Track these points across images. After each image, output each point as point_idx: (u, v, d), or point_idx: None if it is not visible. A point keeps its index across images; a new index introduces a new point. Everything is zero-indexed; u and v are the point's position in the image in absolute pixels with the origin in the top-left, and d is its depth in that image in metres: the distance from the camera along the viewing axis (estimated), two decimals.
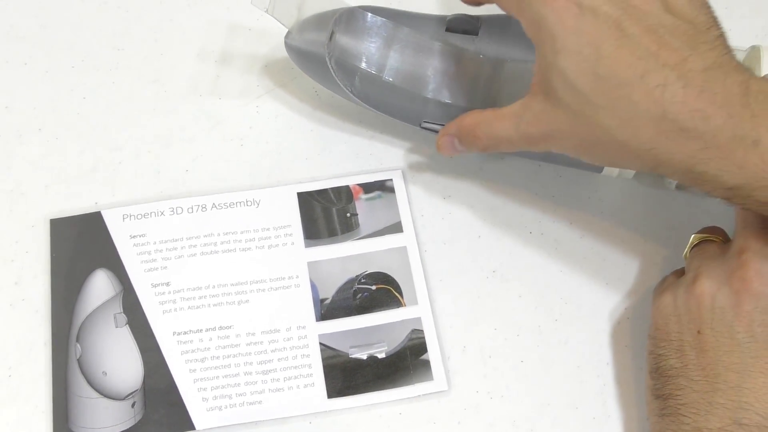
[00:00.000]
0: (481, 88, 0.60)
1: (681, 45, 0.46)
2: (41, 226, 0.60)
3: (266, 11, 0.57)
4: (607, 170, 0.57)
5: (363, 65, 0.60)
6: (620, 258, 0.59)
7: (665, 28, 0.47)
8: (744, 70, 0.46)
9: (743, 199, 0.45)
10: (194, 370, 0.56)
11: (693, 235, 0.54)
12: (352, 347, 0.56)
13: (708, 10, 0.49)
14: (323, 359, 0.56)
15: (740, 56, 0.56)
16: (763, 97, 0.44)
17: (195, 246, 0.59)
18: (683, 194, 0.59)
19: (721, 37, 0.48)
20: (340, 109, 0.64)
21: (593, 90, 0.46)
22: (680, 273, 0.53)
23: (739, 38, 0.62)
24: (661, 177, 0.56)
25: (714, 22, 0.48)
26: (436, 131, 0.59)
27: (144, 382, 0.55)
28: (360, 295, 0.58)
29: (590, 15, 0.47)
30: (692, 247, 0.53)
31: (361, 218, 0.60)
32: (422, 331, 0.57)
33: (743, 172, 0.44)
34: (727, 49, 0.47)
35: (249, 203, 0.61)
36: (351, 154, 0.62)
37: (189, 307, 0.57)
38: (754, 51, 0.55)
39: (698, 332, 0.48)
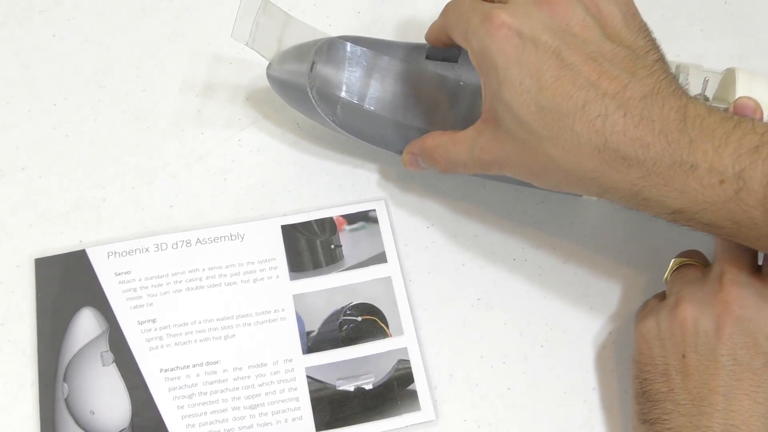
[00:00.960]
0: (461, 115, 0.60)
1: (620, 72, 0.47)
2: (26, 266, 0.60)
3: (246, 44, 0.57)
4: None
5: (344, 95, 0.60)
6: (603, 282, 0.59)
7: (604, 56, 0.48)
8: (682, 94, 0.47)
9: (687, 221, 0.47)
10: (182, 407, 0.56)
11: (673, 259, 0.54)
12: (339, 379, 0.56)
13: (646, 33, 0.50)
14: (311, 392, 0.56)
15: (715, 79, 0.56)
16: (700, 122, 0.45)
17: (180, 282, 0.59)
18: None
19: (660, 60, 0.49)
20: (323, 139, 0.64)
21: (536, 121, 0.48)
22: (662, 297, 0.54)
23: (714, 60, 0.63)
24: None
25: (653, 45, 0.50)
26: None
27: (132, 421, 0.55)
28: (346, 326, 0.58)
29: (531, 45, 0.48)
30: (673, 271, 0.54)
31: (345, 249, 0.60)
32: (409, 361, 0.57)
33: (684, 196, 0.45)
34: (666, 73, 0.48)
35: (233, 237, 0.61)
36: (334, 185, 0.63)
37: (176, 344, 0.57)
38: (729, 73, 0.56)
39: (683, 356, 0.49)
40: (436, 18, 0.57)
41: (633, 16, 0.51)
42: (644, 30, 0.50)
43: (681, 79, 0.55)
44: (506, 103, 0.49)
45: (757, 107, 0.51)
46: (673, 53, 0.67)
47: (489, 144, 0.52)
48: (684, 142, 0.45)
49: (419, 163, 0.58)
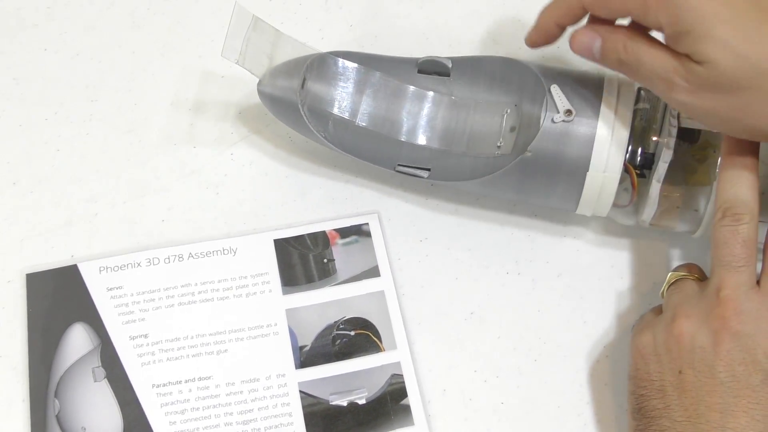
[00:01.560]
0: (454, 130, 0.60)
1: None
2: (17, 281, 0.59)
3: (237, 62, 0.57)
4: (581, 208, 0.57)
5: (335, 111, 0.60)
6: (597, 295, 0.59)
7: None
8: None
9: None
10: (174, 423, 0.55)
11: (670, 273, 0.54)
12: (332, 394, 0.56)
13: None
14: (304, 407, 0.56)
15: None
16: None
17: (172, 296, 0.59)
18: (657, 231, 0.59)
19: None
20: (315, 153, 0.64)
21: (759, 53, 0.45)
22: (658, 311, 0.53)
23: None
24: (636, 214, 0.57)
25: None
26: (411, 174, 0.60)
27: None
28: (339, 341, 0.58)
29: None
30: (669, 285, 0.53)
31: (338, 263, 0.60)
32: (402, 375, 0.56)
33: None
34: None
35: (226, 251, 0.60)
36: (327, 199, 0.63)
37: (168, 359, 0.57)
38: None
39: (679, 372, 0.48)
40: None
41: None
42: None
43: None
44: (722, 40, 0.45)
45: None
46: None
47: (697, 91, 0.47)
48: None
49: (595, 47, 0.52)
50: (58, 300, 0.59)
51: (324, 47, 0.63)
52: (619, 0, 0.50)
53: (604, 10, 0.51)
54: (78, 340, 0.57)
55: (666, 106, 0.54)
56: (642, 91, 0.56)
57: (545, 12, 0.54)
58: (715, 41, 0.45)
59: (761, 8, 0.46)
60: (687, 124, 0.54)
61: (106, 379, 0.56)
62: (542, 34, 0.55)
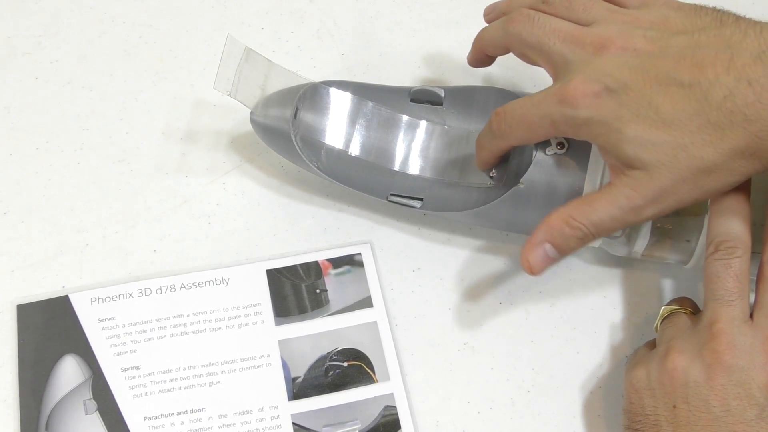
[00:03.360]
0: (447, 159, 0.60)
1: (716, 50, 0.47)
2: (8, 313, 0.59)
3: (229, 95, 0.57)
4: None
5: (328, 141, 0.60)
6: (590, 327, 0.59)
7: (687, 47, 0.48)
8: None
9: None
10: None
11: (663, 307, 0.54)
12: (325, 426, 0.56)
13: (700, 9, 0.51)
14: None
15: None
16: None
17: (164, 328, 0.59)
18: (650, 261, 0.60)
19: (736, 16, 0.49)
20: (307, 183, 0.64)
21: (671, 135, 0.47)
22: (652, 345, 0.54)
23: None
24: (628, 245, 0.57)
25: (715, 12, 0.50)
26: (404, 204, 0.60)
27: None
28: (332, 372, 0.57)
29: (618, 93, 0.49)
30: (663, 319, 0.53)
31: (330, 294, 0.60)
32: (395, 407, 0.56)
33: None
34: (752, 23, 0.48)
35: (218, 282, 0.60)
36: (319, 229, 0.63)
37: (160, 391, 0.57)
38: None
39: (673, 407, 0.48)
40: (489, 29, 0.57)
41: (680, 7, 0.51)
42: (698, 8, 0.51)
43: None
44: (635, 139, 0.48)
45: None
46: None
47: (640, 187, 0.49)
48: None
49: (548, 252, 0.52)
50: (49, 331, 0.58)
51: (316, 76, 0.63)
52: (538, 134, 0.53)
53: (527, 142, 0.55)
54: (69, 372, 0.57)
55: None
56: None
57: (481, 153, 0.58)
58: (629, 143, 0.48)
59: (656, 81, 0.48)
60: None
61: (97, 412, 0.56)
62: (486, 166, 0.59)
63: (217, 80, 0.57)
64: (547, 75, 0.54)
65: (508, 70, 0.67)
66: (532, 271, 0.52)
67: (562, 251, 0.52)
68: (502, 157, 0.57)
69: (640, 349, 0.54)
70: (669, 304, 0.55)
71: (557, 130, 0.51)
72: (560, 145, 0.54)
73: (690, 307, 0.54)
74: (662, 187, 0.49)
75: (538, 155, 0.55)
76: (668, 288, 0.60)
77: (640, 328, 0.59)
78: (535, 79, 0.67)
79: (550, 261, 0.52)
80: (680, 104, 0.47)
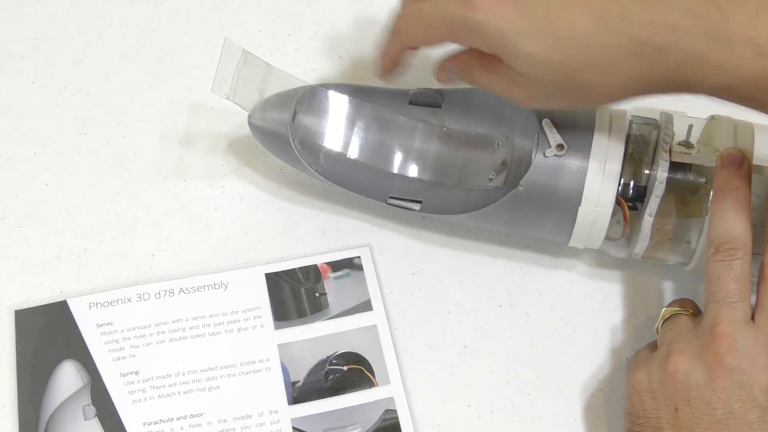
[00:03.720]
0: (446, 162, 0.60)
1: None
2: (6, 318, 0.59)
3: (227, 98, 0.57)
4: (573, 241, 0.57)
5: (326, 144, 0.60)
6: (590, 328, 0.59)
7: None
8: None
9: (730, 98, 0.46)
10: None
11: (664, 309, 0.54)
12: (325, 430, 0.56)
13: None
14: None
15: (699, 125, 0.56)
16: None
17: (163, 332, 0.58)
18: (650, 263, 0.59)
19: None
20: (306, 186, 0.64)
21: (562, 55, 0.47)
22: (653, 347, 0.53)
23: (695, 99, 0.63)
24: (629, 246, 0.57)
25: None
26: (403, 207, 0.59)
27: None
28: (332, 376, 0.57)
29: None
30: (663, 321, 0.53)
31: (330, 297, 0.60)
32: (395, 411, 0.56)
33: (723, 72, 0.45)
34: None
35: (217, 286, 0.60)
36: (318, 232, 0.62)
37: (159, 396, 0.56)
38: (713, 120, 0.56)
39: (675, 409, 0.48)
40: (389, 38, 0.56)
41: None
42: None
43: (665, 126, 0.55)
44: (528, 56, 0.48)
45: (745, 156, 0.51)
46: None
47: (522, 88, 0.50)
48: (715, 15, 0.44)
49: (453, 78, 0.56)
50: (48, 337, 0.58)
51: (314, 79, 0.63)
52: (435, 34, 0.52)
53: (425, 44, 0.55)
54: (68, 378, 0.57)
55: (658, 140, 0.55)
56: (634, 125, 0.56)
57: (383, 57, 0.58)
58: (522, 57, 0.48)
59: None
60: (679, 158, 0.54)
61: (96, 418, 0.56)
62: (388, 73, 0.59)
63: (215, 83, 0.57)
64: None
65: None
66: (438, 79, 0.57)
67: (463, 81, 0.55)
68: (399, 61, 0.57)
69: (641, 351, 0.54)
70: (670, 305, 0.54)
71: (452, 33, 0.50)
72: (560, 147, 0.54)
73: (691, 309, 0.53)
74: (541, 94, 0.50)
75: (538, 157, 0.55)
76: (669, 289, 0.60)
77: (641, 329, 0.59)
78: None
79: (454, 81, 0.56)
80: (578, 21, 0.46)
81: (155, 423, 0.56)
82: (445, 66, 0.56)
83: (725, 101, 0.47)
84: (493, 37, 0.48)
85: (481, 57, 0.51)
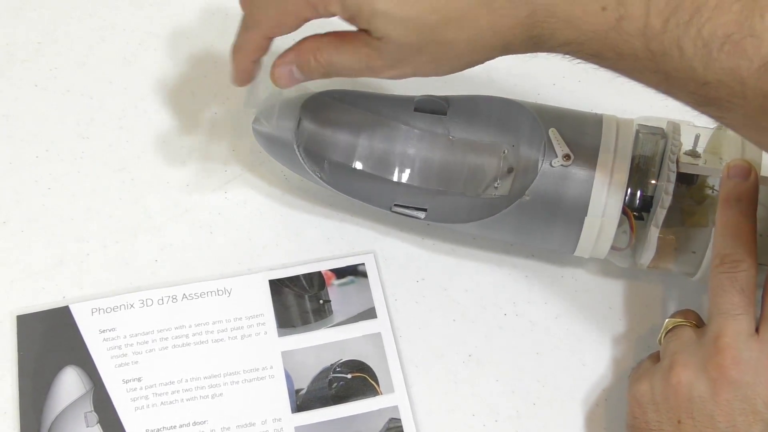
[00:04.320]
0: (451, 170, 0.60)
1: None
2: (7, 323, 0.58)
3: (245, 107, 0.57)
4: (579, 250, 0.57)
5: (330, 152, 0.60)
6: (595, 338, 0.59)
7: None
8: None
9: (576, 54, 0.46)
10: None
11: (667, 320, 0.54)
12: None
13: None
14: None
15: (706, 134, 0.56)
16: None
17: (166, 339, 0.58)
18: (655, 272, 0.59)
19: None
20: (310, 192, 0.64)
21: (420, 12, 0.46)
22: (656, 358, 0.53)
23: None
24: (634, 256, 0.57)
25: None
26: (408, 215, 0.59)
27: None
28: (336, 384, 0.57)
29: None
30: (666, 332, 0.53)
31: (334, 305, 0.60)
32: (400, 419, 0.56)
33: (570, 26, 0.45)
34: None
35: (220, 292, 0.60)
36: (322, 239, 0.62)
37: (162, 403, 0.56)
38: (719, 130, 0.56)
39: (678, 422, 0.48)
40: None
41: None
42: None
43: (672, 136, 0.55)
44: (385, 15, 0.47)
45: (751, 167, 0.51)
46: (660, 104, 0.67)
47: (378, 56, 0.49)
48: None
49: (294, 73, 0.53)
50: (50, 342, 0.58)
51: (318, 84, 0.63)
52: (291, 11, 0.50)
53: (284, 27, 0.51)
54: (70, 384, 0.57)
55: (665, 150, 0.54)
56: (641, 134, 0.56)
57: (237, 56, 0.54)
58: (380, 17, 0.47)
59: None
60: (686, 169, 0.54)
61: (99, 424, 0.55)
62: (245, 75, 0.55)
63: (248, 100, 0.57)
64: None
65: (512, 77, 0.67)
66: (276, 83, 0.53)
67: (306, 77, 0.53)
68: (258, 60, 0.54)
69: (644, 362, 0.54)
70: (673, 316, 0.54)
71: (308, 4, 0.49)
72: (566, 157, 0.54)
73: (694, 320, 0.53)
74: (400, 58, 0.48)
75: (544, 167, 0.54)
76: (674, 299, 0.60)
77: (646, 339, 0.59)
78: (539, 87, 0.66)
79: (296, 80, 0.53)
80: None
81: (158, 430, 0.55)
82: (279, 63, 0.53)
83: (574, 58, 0.47)
84: (351, 2, 0.47)
85: (328, 38, 0.51)
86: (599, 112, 0.57)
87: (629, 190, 0.54)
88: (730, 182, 0.52)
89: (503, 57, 0.56)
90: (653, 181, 0.55)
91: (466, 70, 0.51)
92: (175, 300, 0.59)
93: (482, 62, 0.50)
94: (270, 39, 0.52)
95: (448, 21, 0.46)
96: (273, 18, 0.51)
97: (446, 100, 0.60)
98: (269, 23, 0.51)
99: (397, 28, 0.47)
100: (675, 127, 0.55)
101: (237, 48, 0.54)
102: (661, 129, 0.56)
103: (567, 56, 0.47)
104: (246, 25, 0.52)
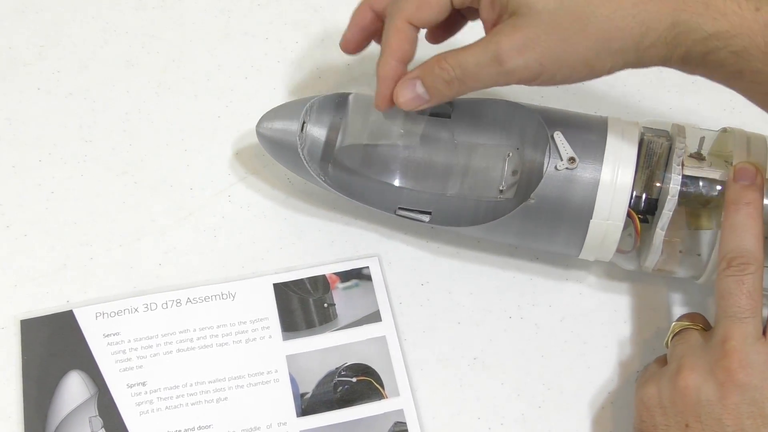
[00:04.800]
0: (455, 173, 0.60)
1: None
2: (11, 328, 0.58)
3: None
4: (584, 253, 0.57)
5: (335, 156, 0.60)
6: (600, 341, 0.59)
7: None
8: None
9: (719, 48, 0.47)
10: None
11: (674, 323, 0.54)
12: None
13: None
14: None
15: (711, 137, 0.56)
16: None
17: (171, 343, 0.58)
18: (662, 276, 0.59)
19: None
20: (314, 195, 0.64)
21: None
22: (662, 361, 0.53)
23: (708, 111, 0.63)
24: (639, 259, 0.56)
25: None
26: (412, 218, 0.59)
27: None
28: (341, 388, 0.57)
29: None
30: (673, 335, 0.53)
31: (338, 308, 0.59)
32: (405, 423, 0.56)
33: (723, 18, 0.46)
34: None
35: (224, 296, 0.60)
36: (326, 242, 0.62)
37: (167, 408, 0.56)
38: (725, 132, 0.56)
39: (686, 425, 0.48)
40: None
41: None
42: None
43: (677, 139, 0.55)
44: None
45: (758, 170, 0.51)
46: (665, 106, 0.68)
47: (513, 33, 0.49)
48: None
49: (418, 90, 0.52)
50: (54, 347, 0.58)
51: (322, 87, 0.63)
52: None
53: (426, 8, 0.52)
54: (74, 389, 0.56)
55: (670, 153, 0.54)
56: (645, 137, 0.56)
57: (382, 56, 0.54)
58: None
59: None
60: (691, 171, 0.54)
61: (103, 429, 0.55)
62: (390, 71, 0.54)
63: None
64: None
65: None
66: (399, 105, 0.53)
67: (431, 91, 0.52)
68: (399, 70, 0.54)
69: (651, 366, 0.54)
70: (679, 320, 0.54)
71: None
72: (571, 160, 0.54)
73: (701, 324, 0.53)
74: (531, 35, 0.48)
75: (549, 170, 0.54)
76: (679, 302, 0.59)
77: (651, 342, 0.58)
78: (542, 90, 0.66)
79: (419, 100, 0.52)
80: None
81: None
82: (402, 81, 0.53)
83: (707, 57, 0.48)
84: None
85: (453, 49, 0.51)
86: (604, 114, 0.57)
87: (634, 193, 0.54)
88: (736, 185, 0.52)
89: None
90: (658, 184, 0.54)
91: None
92: (179, 304, 0.59)
93: (607, 67, 0.49)
94: (412, 26, 0.52)
95: None
96: (421, 6, 0.52)
97: (451, 103, 0.60)
98: (411, 4, 0.52)
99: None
100: (680, 129, 0.55)
101: (383, 43, 0.54)
102: (666, 131, 0.56)
103: (688, 64, 0.48)
104: (390, 14, 0.53)
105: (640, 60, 0.49)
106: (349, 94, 0.61)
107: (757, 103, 0.50)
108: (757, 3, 0.46)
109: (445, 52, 0.51)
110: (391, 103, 0.53)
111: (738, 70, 0.48)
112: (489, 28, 0.51)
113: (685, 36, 0.47)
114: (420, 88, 0.52)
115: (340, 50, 0.69)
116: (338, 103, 0.60)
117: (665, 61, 0.49)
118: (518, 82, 0.50)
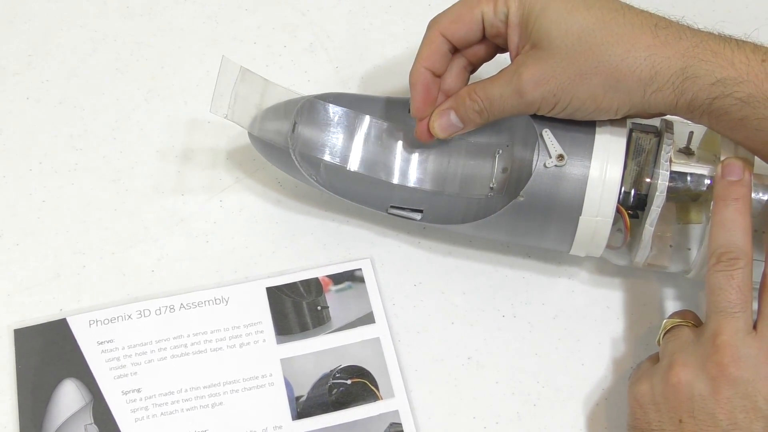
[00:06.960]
0: (446, 171, 0.60)
1: None
2: (5, 337, 0.58)
3: (226, 117, 0.56)
4: (574, 249, 0.57)
5: (326, 156, 0.60)
6: (594, 337, 0.59)
7: None
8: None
9: (725, 95, 0.49)
10: None
11: (665, 320, 0.54)
12: None
13: None
14: None
15: (700, 131, 0.56)
16: None
17: (165, 349, 0.58)
18: (652, 271, 0.59)
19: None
20: (306, 197, 0.64)
21: (587, 20, 0.51)
22: (655, 359, 0.53)
23: None
24: (630, 254, 0.57)
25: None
26: (404, 216, 0.59)
27: None
28: (336, 390, 0.57)
29: None
30: (665, 332, 0.53)
31: (332, 311, 0.59)
32: (401, 424, 0.56)
33: (732, 67, 0.49)
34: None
35: (218, 301, 0.60)
36: (319, 245, 0.62)
37: (162, 414, 0.56)
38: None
39: (679, 421, 0.48)
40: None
41: None
42: None
43: (665, 134, 0.55)
44: (553, 19, 0.51)
45: (746, 166, 0.51)
46: None
47: (532, 66, 0.52)
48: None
49: (452, 119, 0.56)
50: (48, 355, 0.58)
51: (311, 90, 0.63)
52: (469, 2, 0.55)
53: (461, 24, 0.55)
54: (69, 397, 0.56)
55: (658, 148, 0.54)
56: (634, 132, 0.56)
57: (416, 62, 0.57)
58: (551, 10, 0.51)
59: None
60: (679, 167, 0.54)
61: None
62: (420, 77, 0.57)
63: (212, 104, 0.56)
64: None
65: None
66: (436, 133, 0.57)
67: (463, 121, 0.56)
68: (426, 79, 0.57)
69: (643, 363, 0.54)
70: (671, 317, 0.54)
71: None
72: (560, 157, 0.54)
73: (692, 320, 0.53)
74: (548, 69, 0.51)
75: (538, 168, 0.54)
76: (671, 297, 0.60)
77: (644, 338, 0.59)
78: None
79: (453, 128, 0.56)
80: None
81: None
82: (437, 112, 0.56)
83: (713, 103, 0.50)
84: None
85: (482, 81, 0.55)
86: None
87: (623, 189, 0.54)
88: (724, 180, 0.52)
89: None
90: (647, 179, 0.55)
91: None
92: (172, 310, 0.59)
93: (614, 107, 0.52)
94: (446, 40, 0.56)
95: (610, 30, 0.50)
96: (450, 12, 0.55)
97: None
98: (447, 18, 0.55)
99: (561, 25, 0.51)
100: (668, 124, 0.56)
101: (417, 52, 0.57)
102: (655, 127, 0.56)
103: (693, 111, 0.51)
104: (428, 27, 0.57)
105: (646, 103, 0.51)
106: (339, 93, 0.61)
107: (757, 153, 0.52)
108: (763, 56, 0.49)
109: (475, 84, 0.55)
110: (431, 136, 0.57)
111: (742, 117, 0.49)
112: (513, 55, 0.55)
113: (693, 82, 0.50)
114: (454, 118, 0.56)
115: (328, 53, 0.69)
116: (330, 102, 0.60)
117: (671, 108, 0.51)
118: (538, 113, 0.54)
